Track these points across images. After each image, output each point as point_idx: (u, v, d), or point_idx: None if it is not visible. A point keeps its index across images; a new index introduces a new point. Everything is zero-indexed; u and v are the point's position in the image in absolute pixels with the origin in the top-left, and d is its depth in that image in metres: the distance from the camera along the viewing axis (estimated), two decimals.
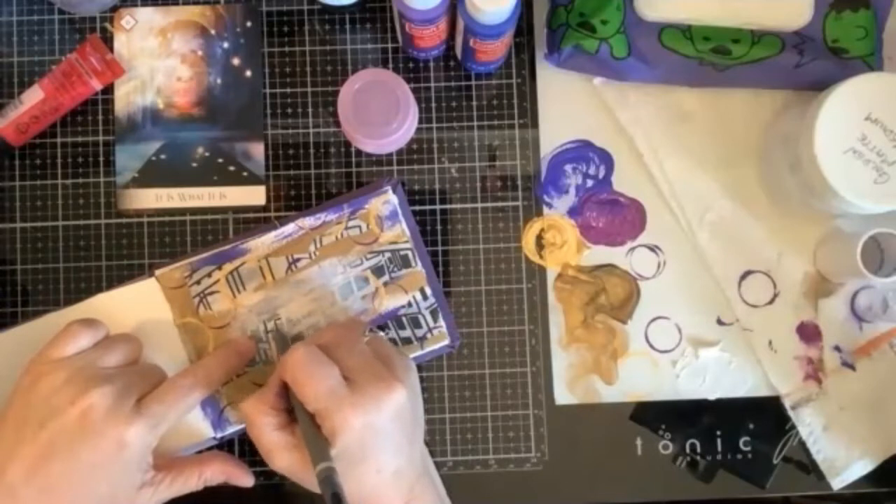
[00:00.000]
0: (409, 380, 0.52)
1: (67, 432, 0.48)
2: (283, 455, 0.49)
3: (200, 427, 0.57)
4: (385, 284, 0.59)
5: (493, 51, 0.58)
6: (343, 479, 0.45)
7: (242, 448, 0.60)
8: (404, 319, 0.59)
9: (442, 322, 0.59)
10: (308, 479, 0.49)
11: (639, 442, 0.61)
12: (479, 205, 0.62)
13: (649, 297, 0.61)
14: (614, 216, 0.62)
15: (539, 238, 0.62)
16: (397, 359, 0.52)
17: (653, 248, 0.62)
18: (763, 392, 0.61)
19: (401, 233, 0.59)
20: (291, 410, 0.50)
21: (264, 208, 0.61)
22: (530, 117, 0.62)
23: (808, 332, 0.61)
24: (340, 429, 0.47)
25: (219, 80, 0.62)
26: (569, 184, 0.62)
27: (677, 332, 0.61)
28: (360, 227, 0.59)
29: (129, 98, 0.61)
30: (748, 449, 0.61)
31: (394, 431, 0.49)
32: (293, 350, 0.49)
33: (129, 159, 0.61)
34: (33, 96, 0.59)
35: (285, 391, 0.51)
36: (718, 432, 0.61)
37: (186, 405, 0.52)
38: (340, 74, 0.62)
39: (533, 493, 0.61)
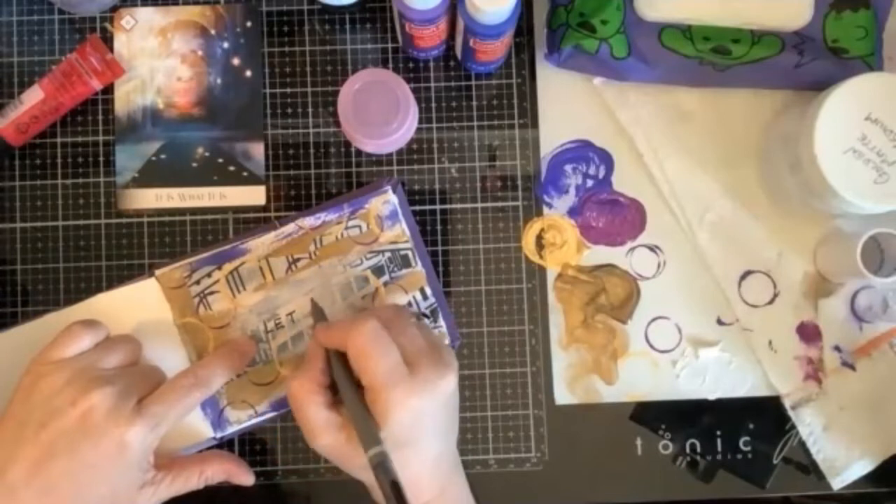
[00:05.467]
0: (456, 368, 0.52)
1: (68, 433, 0.48)
2: (329, 434, 0.49)
3: (200, 427, 0.57)
4: (385, 284, 0.59)
5: (493, 51, 0.58)
6: None
7: (242, 448, 0.60)
8: None
9: (442, 322, 0.59)
10: (350, 461, 0.49)
11: (639, 442, 0.61)
12: (479, 205, 0.62)
13: (649, 297, 0.61)
14: (614, 216, 0.62)
15: (539, 238, 0.62)
16: (445, 346, 0.53)
17: (653, 248, 0.62)
18: (763, 392, 0.61)
19: (401, 233, 0.59)
20: (333, 387, 0.50)
21: (264, 208, 0.61)
22: (530, 117, 0.62)
23: (808, 332, 0.61)
24: (394, 409, 0.47)
25: (219, 80, 0.62)
26: (569, 184, 0.62)
27: (677, 332, 0.61)
28: (360, 227, 0.59)
29: (129, 98, 0.61)
30: (748, 449, 0.61)
31: (442, 418, 0.50)
32: (362, 322, 0.49)
33: (129, 159, 0.61)
34: (33, 96, 0.59)
35: (328, 367, 0.51)
36: (718, 432, 0.61)
37: (187, 405, 0.52)
38: (340, 74, 0.62)
39: (533, 493, 0.61)
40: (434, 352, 0.50)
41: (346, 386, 0.49)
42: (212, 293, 0.58)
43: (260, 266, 0.58)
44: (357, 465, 0.48)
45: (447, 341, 0.59)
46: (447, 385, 0.49)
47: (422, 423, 0.48)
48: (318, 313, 0.57)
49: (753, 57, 0.58)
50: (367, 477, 0.48)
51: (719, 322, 0.61)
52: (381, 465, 0.45)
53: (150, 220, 0.61)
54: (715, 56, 0.58)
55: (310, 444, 0.50)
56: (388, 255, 0.59)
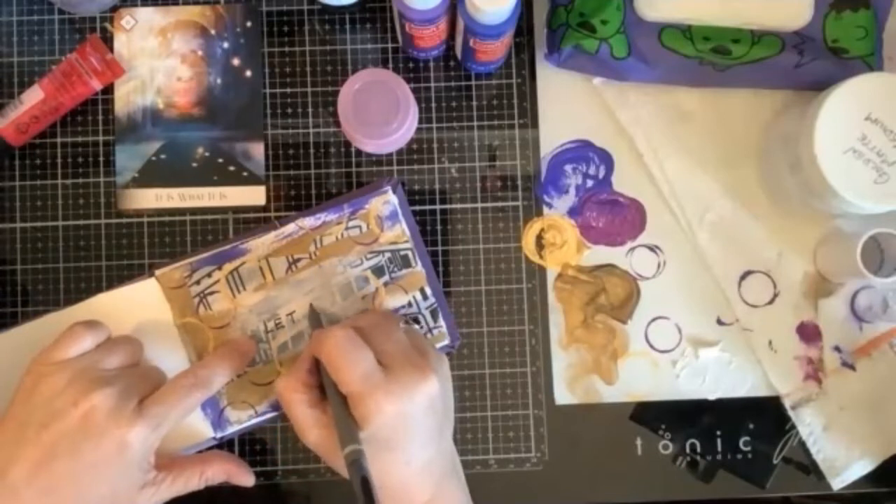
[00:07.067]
0: (443, 372, 0.52)
1: (69, 434, 0.48)
2: (314, 432, 0.50)
3: (200, 427, 0.58)
4: (385, 284, 0.59)
5: (493, 51, 0.58)
6: (370, 465, 0.46)
7: (242, 448, 0.60)
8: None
9: (442, 322, 0.59)
10: (336, 459, 0.49)
11: (639, 442, 0.61)
12: (479, 205, 0.62)
13: (649, 297, 0.61)
14: (614, 216, 0.62)
15: (539, 238, 0.62)
16: (432, 350, 0.53)
17: (653, 248, 0.62)
18: (763, 392, 0.61)
19: (401, 233, 0.59)
20: (323, 387, 0.51)
21: (264, 208, 0.61)
22: (530, 117, 0.62)
23: (808, 332, 0.61)
24: (372, 414, 0.47)
25: (219, 80, 0.62)
26: (569, 184, 0.62)
27: (677, 332, 0.61)
28: (360, 227, 0.59)
29: (129, 98, 0.61)
30: (748, 449, 0.61)
31: (425, 422, 0.49)
32: (331, 332, 0.49)
33: (129, 159, 0.61)
34: (33, 96, 0.59)
35: (317, 368, 0.51)
36: (718, 432, 0.61)
37: (187, 406, 0.52)
38: (340, 74, 0.62)
39: (533, 493, 0.61)
40: (417, 356, 0.50)
41: (330, 388, 0.49)
42: (212, 293, 0.58)
43: (260, 266, 0.58)
44: (341, 462, 0.48)
45: (447, 341, 0.59)
46: (428, 389, 0.49)
47: (405, 428, 0.48)
48: (314, 319, 0.57)
49: (753, 57, 0.58)
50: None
51: (719, 322, 0.62)
52: (355, 463, 0.45)
53: (150, 220, 0.61)
54: (715, 56, 0.58)
55: (300, 438, 0.51)
56: (388, 255, 0.59)
